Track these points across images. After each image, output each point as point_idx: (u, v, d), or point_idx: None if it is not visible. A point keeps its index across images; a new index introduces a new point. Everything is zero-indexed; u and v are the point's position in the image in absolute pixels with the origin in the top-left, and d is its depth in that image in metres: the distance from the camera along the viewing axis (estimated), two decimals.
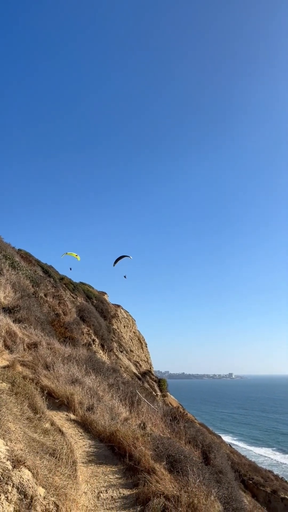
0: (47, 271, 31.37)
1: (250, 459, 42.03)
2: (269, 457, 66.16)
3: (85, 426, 8.32)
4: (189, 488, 5.56)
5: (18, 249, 30.80)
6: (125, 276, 33.94)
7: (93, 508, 5.32)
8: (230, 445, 42.43)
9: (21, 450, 4.98)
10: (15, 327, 12.47)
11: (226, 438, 62.79)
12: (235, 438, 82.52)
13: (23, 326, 13.63)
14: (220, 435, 49.65)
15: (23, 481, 4.50)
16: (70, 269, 33.11)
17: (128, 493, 5.82)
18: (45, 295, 22.61)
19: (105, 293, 48.17)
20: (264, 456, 66.29)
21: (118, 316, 44.08)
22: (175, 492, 5.40)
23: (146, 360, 47.32)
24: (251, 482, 29.20)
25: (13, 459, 4.64)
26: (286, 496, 28.07)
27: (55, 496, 4.76)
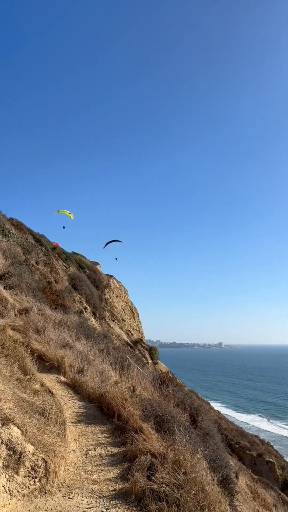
0: (39, 240, 31.15)
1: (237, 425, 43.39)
2: (253, 425, 68.35)
3: (75, 388, 8.45)
4: (175, 446, 5.69)
5: (10, 218, 30.42)
6: (116, 259, 36.61)
7: (81, 465, 5.45)
8: (218, 412, 43.67)
9: (10, 409, 5.03)
10: (5, 293, 12.45)
11: (215, 405, 64.59)
12: (223, 405, 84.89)
13: (14, 293, 13.62)
14: (209, 402, 51.01)
15: (12, 438, 4.57)
16: (64, 227, 32.58)
17: (116, 451, 5.95)
18: (37, 263, 22.53)
19: (98, 263, 48.19)
20: (247, 423, 68.45)
21: (111, 286, 44.29)
22: (162, 450, 5.52)
23: (137, 329, 47.95)
24: (238, 446, 30.24)
25: (2, 417, 4.70)
26: (270, 460, 29.20)
27: (43, 453, 4.85)
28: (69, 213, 29.53)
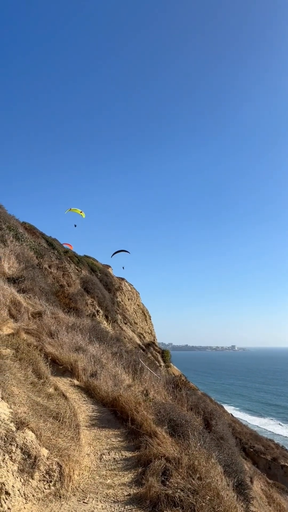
0: (51, 243, 31.33)
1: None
2: (265, 428, 67.55)
3: (88, 391, 8.47)
4: (190, 451, 5.65)
5: (23, 222, 30.67)
6: (123, 268, 37.89)
7: (95, 469, 5.45)
8: (232, 415, 43.33)
9: (25, 413, 5.06)
10: (19, 297, 12.55)
11: (228, 408, 64.09)
12: (236, 409, 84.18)
13: (28, 296, 13.71)
14: (222, 405, 50.65)
15: (26, 442, 4.59)
16: (75, 225, 32.50)
17: (130, 455, 5.94)
18: (49, 267, 22.67)
19: (109, 266, 48.28)
20: (259, 426, 67.68)
21: (122, 289, 44.32)
22: (176, 454, 5.50)
23: (150, 332, 47.87)
24: (252, 450, 29.95)
25: (16, 421, 4.72)
26: (286, 464, 28.84)
27: (58, 457, 4.87)
28: (81, 212, 29.25)
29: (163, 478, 4.99)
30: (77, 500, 4.61)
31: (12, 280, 14.13)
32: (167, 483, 4.84)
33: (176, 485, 4.76)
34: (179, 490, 4.66)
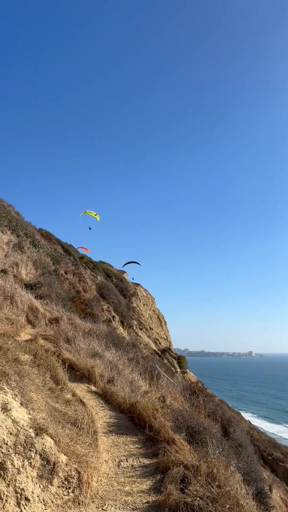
0: (67, 249, 31.59)
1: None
2: (281, 435, 66.28)
3: (105, 397, 8.48)
4: (208, 458, 5.60)
5: (39, 228, 31.04)
6: (133, 278, 39.98)
7: (114, 476, 5.44)
8: (249, 422, 42.75)
9: (43, 419, 5.09)
10: (37, 303, 12.67)
11: (245, 415, 63.22)
12: (254, 416, 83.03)
13: (45, 302, 13.83)
14: (240, 411, 50.00)
15: (45, 448, 4.62)
16: (90, 228, 32.32)
17: (148, 462, 5.92)
18: (66, 273, 22.83)
19: (125, 272, 48.39)
20: (277, 434, 66.43)
21: (138, 295, 44.32)
22: (195, 462, 5.45)
23: (165, 337, 47.70)
24: (270, 457, 29.46)
25: (35, 427, 4.75)
26: None
27: (77, 463, 4.88)
28: (95, 215, 29.13)
29: (181, 486, 4.96)
30: (96, 507, 4.61)
31: (30, 286, 14.28)
32: (186, 491, 4.80)
33: (195, 493, 4.72)
34: (198, 498, 4.61)
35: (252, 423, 53.96)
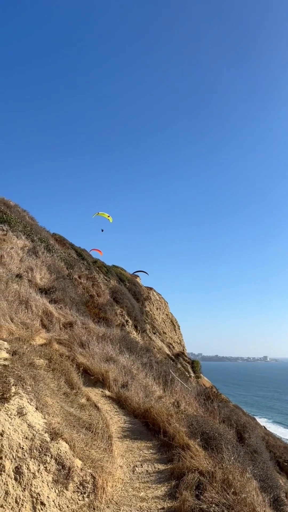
0: (80, 254, 31.75)
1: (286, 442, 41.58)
2: None
3: (119, 402, 8.48)
4: (223, 464, 5.55)
5: (53, 233, 31.27)
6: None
7: (128, 481, 5.42)
8: (264, 428, 42.23)
9: (59, 423, 5.11)
10: (51, 307, 12.76)
11: (260, 421, 62.43)
12: (269, 421, 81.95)
13: (59, 307, 13.91)
14: (254, 417, 49.42)
15: (60, 452, 4.63)
16: (102, 230, 31.76)
17: (163, 467, 5.89)
18: (79, 277, 22.95)
19: (138, 276, 48.39)
20: None
21: (151, 299, 44.27)
22: (210, 468, 5.41)
23: (179, 342, 47.52)
24: (286, 464, 29.02)
25: (51, 432, 4.78)
26: None
27: (91, 468, 4.88)
28: (108, 216, 28.66)
29: (197, 492, 4.92)
30: None
31: (44, 291, 14.38)
32: (201, 497, 4.76)
33: (211, 499, 4.68)
34: (213, 505, 4.57)
35: (267, 428, 53.28)
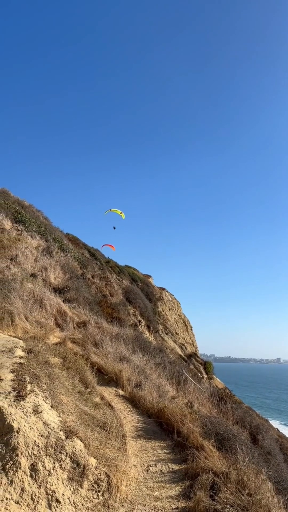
0: (93, 254, 31.87)
1: None
2: None
3: (133, 402, 8.50)
4: (238, 466, 5.52)
5: (66, 233, 31.46)
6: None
7: (142, 480, 5.43)
8: (278, 430, 41.82)
9: (73, 421, 5.14)
10: (65, 307, 12.84)
11: (273, 423, 61.87)
12: (282, 423, 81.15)
13: (73, 306, 13.99)
14: (267, 419, 49.00)
15: (75, 451, 4.66)
16: (114, 228, 31.25)
17: (177, 468, 5.88)
18: (93, 277, 23.04)
19: (150, 276, 48.38)
20: None
21: (163, 299, 44.23)
22: (224, 469, 5.39)
23: (191, 342, 47.38)
24: None
25: (66, 430, 4.81)
26: None
27: (106, 467, 4.90)
28: (121, 213, 28.13)
29: (211, 493, 4.90)
30: (125, 511, 4.61)
31: (58, 290, 14.48)
32: (216, 498, 4.74)
33: (225, 500, 4.66)
34: (228, 506, 4.55)
35: (280, 431, 52.74)
